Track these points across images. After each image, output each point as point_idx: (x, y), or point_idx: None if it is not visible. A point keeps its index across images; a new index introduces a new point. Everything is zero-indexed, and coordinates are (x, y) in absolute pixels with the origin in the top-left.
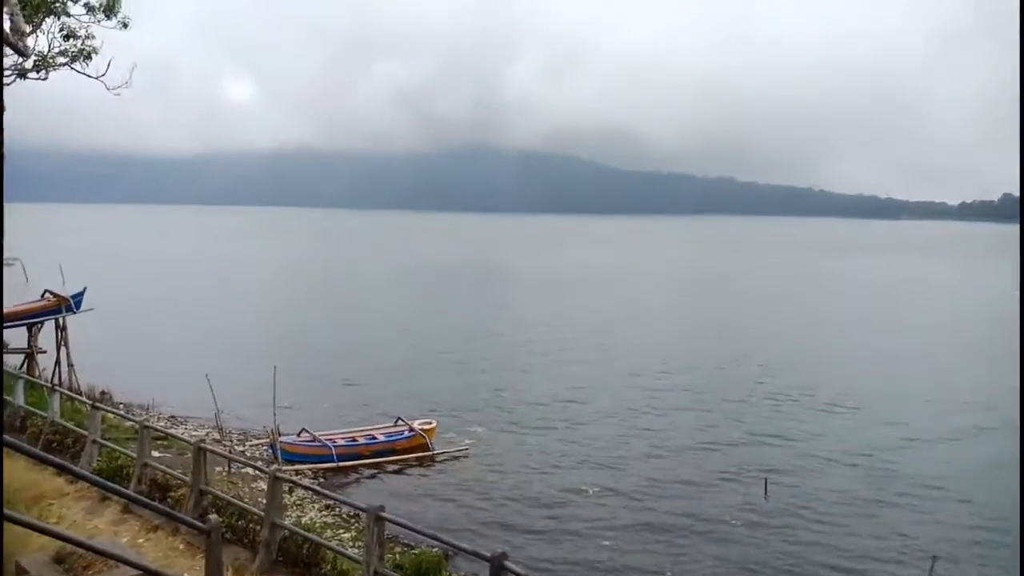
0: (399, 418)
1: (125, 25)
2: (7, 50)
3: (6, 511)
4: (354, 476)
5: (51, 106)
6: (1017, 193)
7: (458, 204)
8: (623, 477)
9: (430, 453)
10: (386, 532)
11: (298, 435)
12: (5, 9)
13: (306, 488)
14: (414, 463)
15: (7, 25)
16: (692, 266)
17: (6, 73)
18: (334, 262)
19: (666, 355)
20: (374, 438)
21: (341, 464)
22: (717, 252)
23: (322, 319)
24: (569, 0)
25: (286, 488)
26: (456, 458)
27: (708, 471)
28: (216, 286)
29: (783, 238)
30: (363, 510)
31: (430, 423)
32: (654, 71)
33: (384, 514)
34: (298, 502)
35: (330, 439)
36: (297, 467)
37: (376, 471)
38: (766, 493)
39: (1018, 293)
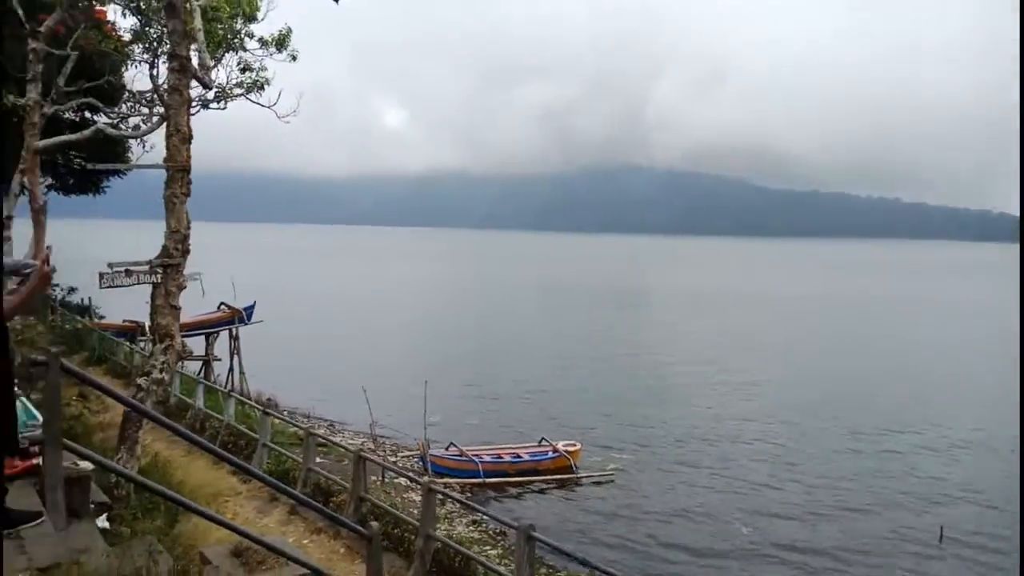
0: (543, 438)
1: (294, 58)
2: (194, 83)
3: (194, 504)
4: (499, 493)
5: (226, 134)
6: None
7: (600, 225)
8: (776, 516)
9: (574, 475)
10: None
11: (447, 449)
12: (194, 47)
13: (458, 502)
14: (558, 484)
15: (195, 60)
16: (858, 294)
17: (192, 104)
18: (479, 282)
19: (823, 389)
20: (519, 457)
21: (487, 480)
22: (886, 278)
23: (468, 337)
24: (714, 15)
25: (438, 500)
26: (600, 483)
27: (870, 509)
28: (370, 302)
29: (956, 264)
30: (514, 528)
31: (574, 445)
32: (805, 86)
33: (535, 533)
34: (447, 515)
35: (477, 455)
36: (446, 480)
37: (520, 490)
38: (941, 539)
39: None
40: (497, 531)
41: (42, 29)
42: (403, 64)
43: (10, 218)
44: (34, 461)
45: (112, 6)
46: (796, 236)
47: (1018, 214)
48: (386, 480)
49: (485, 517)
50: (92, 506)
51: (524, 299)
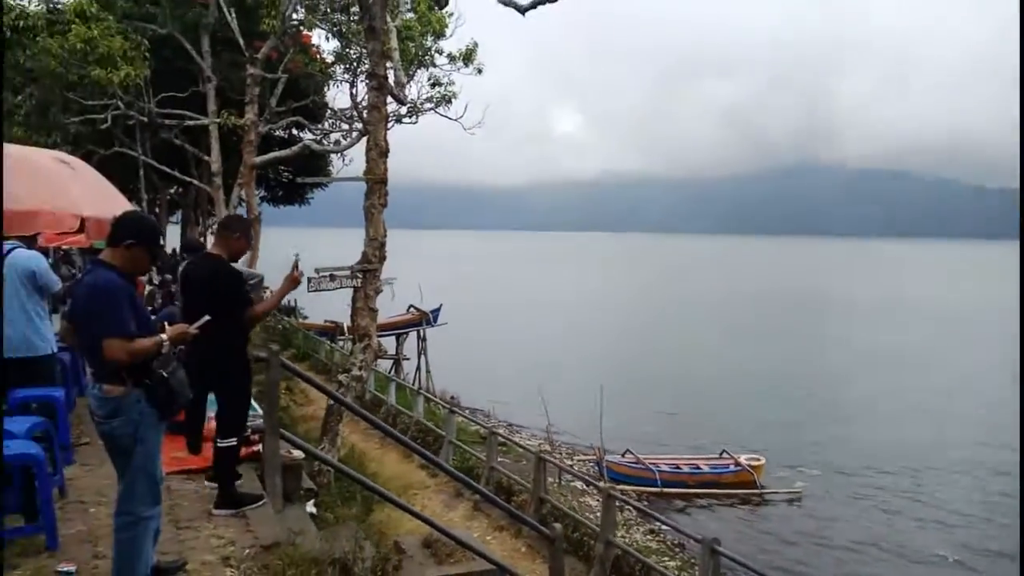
0: (724, 450)
1: (480, 71)
2: (389, 99)
3: (391, 494)
4: (677, 504)
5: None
6: None
7: (784, 227)
8: (988, 554)
9: (758, 491)
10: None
11: (623, 455)
12: (390, 65)
13: (637, 509)
14: (738, 500)
15: (391, 78)
16: None
17: (388, 119)
18: (657, 287)
19: None
20: (698, 468)
21: (664, 490)
22: None
23: (645, 343)
24: (905, 7)
25: (617, 506)
26: (787, 501)
27: None
28: (547, 307)
29: None
30: (697, 540)
31: (758, 459)
32: (1002, 75)
33: (720, 548)
34: (624, 522)
35: (654, 463)
36: (622, 487)
37: (698, 502)
38: None
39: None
40: (675, 542)
41: (259, 56)
42: (580, 69)
43: None
44: (255, 448)
45: (317, 31)
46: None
47: None
48: (562, 483)
49: (664, 527)
50: (302, 492)
51: (703, 305)
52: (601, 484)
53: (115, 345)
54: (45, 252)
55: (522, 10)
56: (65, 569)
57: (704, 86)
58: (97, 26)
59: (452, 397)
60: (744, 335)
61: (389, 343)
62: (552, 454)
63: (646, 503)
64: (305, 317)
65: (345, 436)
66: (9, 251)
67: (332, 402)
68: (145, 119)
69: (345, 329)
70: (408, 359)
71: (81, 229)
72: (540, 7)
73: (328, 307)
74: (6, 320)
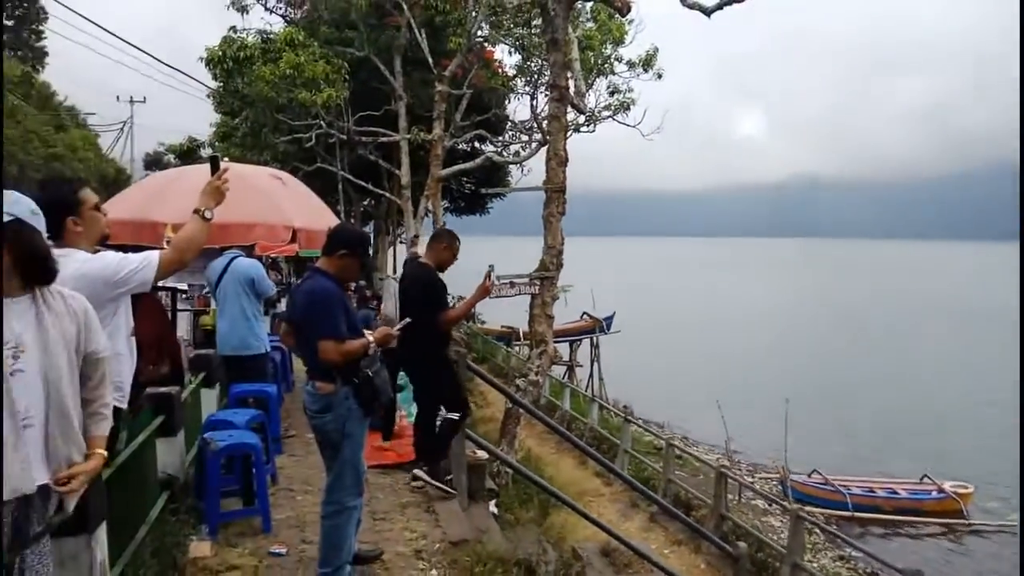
0: (925, 475)
1: (660, 76)
2: (569, 109)
3: (571, 500)
4: (869, 530)
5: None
6: None
7: (999, 233)
8: None
9: (965, 522)
10: None
11: (809, 476)
12: (571, 76)
13: (828, 533)
14: (941, 530)
15: (572, 88)
16: None
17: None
18: (850, 297)
19: None
20: (895, 492)
21: (856, 515)
22: None
23: (835, 355)
24: None
25: (806, 528)
26: (1001, 531)
27: None
28: (726, 315)
29: None
30: (898, 571)
31: (966, 487)
32: None
33: None
34: (811, 546)
35: (844, 485)
36: (808, 509)
37: (895, 530)
38: None
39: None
40: (869, 571)
41: (446, 73)
42: (763, 70)
43: (417, 237)
44: None
45: (500, 46)
46: None
47: None
48: (742, 500)
49: (856, 553)
50: (485, 492)
51: (901, 315)
52: (788, 504)
53: (329, 346)
54: (258, 260)
55: (708, 12)
56: (277, 550)
57: (897, 84)
58: (303, 52)
59: (624, 406)
60: (948, 349)
61: (563, 349)
62: (731, 470)
63: (836, 527)
64: (483, 322)
65: (521, 439)
66: (232, 259)
67: (510, 405)
68: (344, 137)
69: (521, 334)
70: (581, 366)
71: (292, 239)
72: (726, 7)
73: (505, 312)
74: (228, 321)
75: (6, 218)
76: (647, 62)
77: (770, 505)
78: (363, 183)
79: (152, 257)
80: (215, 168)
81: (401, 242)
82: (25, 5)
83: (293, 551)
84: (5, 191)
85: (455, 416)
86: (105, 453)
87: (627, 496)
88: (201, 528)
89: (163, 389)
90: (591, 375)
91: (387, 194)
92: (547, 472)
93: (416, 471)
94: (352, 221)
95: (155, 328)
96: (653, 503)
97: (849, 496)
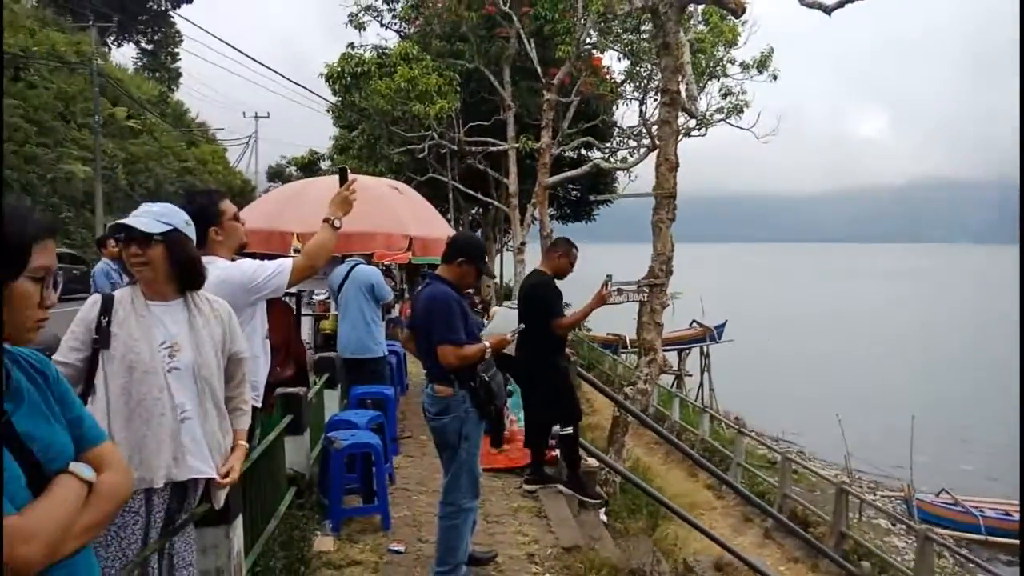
0: None
1: (775, 77)
2: (680, 113)
3: (683, 511)
4: (1005, 556)
5: (700, 158)
6: None
7: None
8: None
9: None
10: None
11: (937, 495)
12: (682, 79)
13: (962, 557)
14: None
15: (683, 93)
16: None
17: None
18: (982, 306)
19: None
20: None
21: (990, 539)
22: None
23: (962, 368)
24: None
25: (935, 551)
26: None
27: None
28: (847, 325)
29: None
30: None
31: None
32: None
33: None
34: (937, 570)
35: (976, 507)
36: (936, 530)
37: None
38: None
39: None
40: None
41: (554, 82)
42: (884, 68)
43: (524, 244)
44: (553, 453)
45: (609, 52)
46: None
47: None
48: (862, 519)
49: None
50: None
51: None
52: (919, 526)
53: (448, 351)
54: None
55: (828, 10)
56: (396, 548)
57: None
58: (417, 66)
59: (736, 418)
60: None
61: (671, 358)
62: (852, 486)
63: (967, 551)
64: (589, 329)
65: (629, 449)
66: (353, 266)
67: (619, 413)
68: (455, 147)
69: (627, 342)
70: (691, 375)
71: (408, 247)
72: (848, 5)
73: (611, 320)
74: (349, 325)
75: (165, 228)
76: (762, 63)
77: (894, 525)
78: (472, 192)
79: (285, 264)
80: (343, 179)
81: (508, 249)
82: (163, 30)
83: (411, 549)
84: (163, 204)
85: (569, 431)
86: (247, 445)
87: (740, 510)
88: (325, 524)
89: (291, 390)
90: (701, 385)
91: (495, 202)
92: (656, 483)
93: (560, 487)
94: (460, 229)
95: (283, 332)
96: (768, 518)
97: (982, 519)
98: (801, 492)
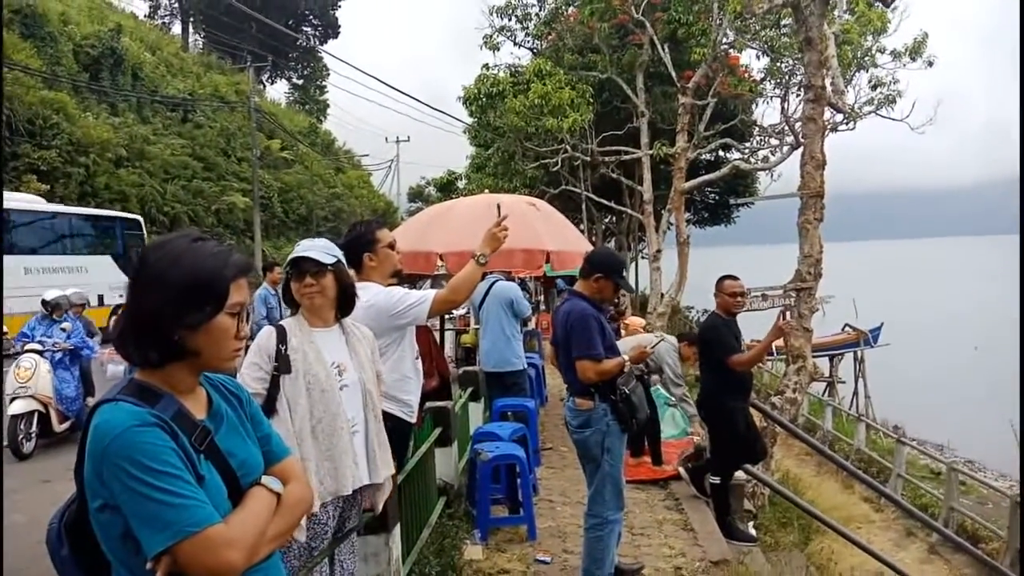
0: None
1: (931, 64)
2: (827, 109)
3: (838, 524)
4: None
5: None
6: None
7: None
8: None
9: None
10: None
11: None
12: (827, 72)
13: None
14: None
15: (828, 87)
16: None
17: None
18: None
19: None
20: None
21: None
22: None
23: None
24: None
25: None
26: None
27: None
28: (1008, 323)
29: None
30: None
31: None
32: None
33: None
34: None
35: None
36: None
37: None
38: None
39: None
40: None
41: (689, 85)
42: None
43: (659, 251)
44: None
45: (746, 51)
46: None
47: None
48: None
49: None
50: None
51: None
52: None
53: (586, 365)
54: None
55: None
56: (543, 558)
57: None
58: (550, 81)
59: (896, 426)
60: None
61: (822, 364)
62: None
63: None
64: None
65: (779, 460)
66: (493, 282)
67: (766, 423)
68: (588, 158)
69: (774, 349)
70: (844, 382)
71: (547, 262)
72: None
73: (757, 326)
74: (490, 339)
75: (333, 259)
76: (915, 50)
77: None
78: (605, 201)
79: (428, 296)
80: (498, 212)
81: (643, 257)
82: (311, 65)
83: (556, 560)
84: (321, 239)
85: (716, 481)
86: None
87: (901, 525)
88: (474, 533)
89: (439, 403)
90: (855, 392)
91: (629, 210)
92: (807, 495)
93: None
94: (594, 239)
95: (424, 345)
96: (933, 532)
97: None
98: (970, 505)
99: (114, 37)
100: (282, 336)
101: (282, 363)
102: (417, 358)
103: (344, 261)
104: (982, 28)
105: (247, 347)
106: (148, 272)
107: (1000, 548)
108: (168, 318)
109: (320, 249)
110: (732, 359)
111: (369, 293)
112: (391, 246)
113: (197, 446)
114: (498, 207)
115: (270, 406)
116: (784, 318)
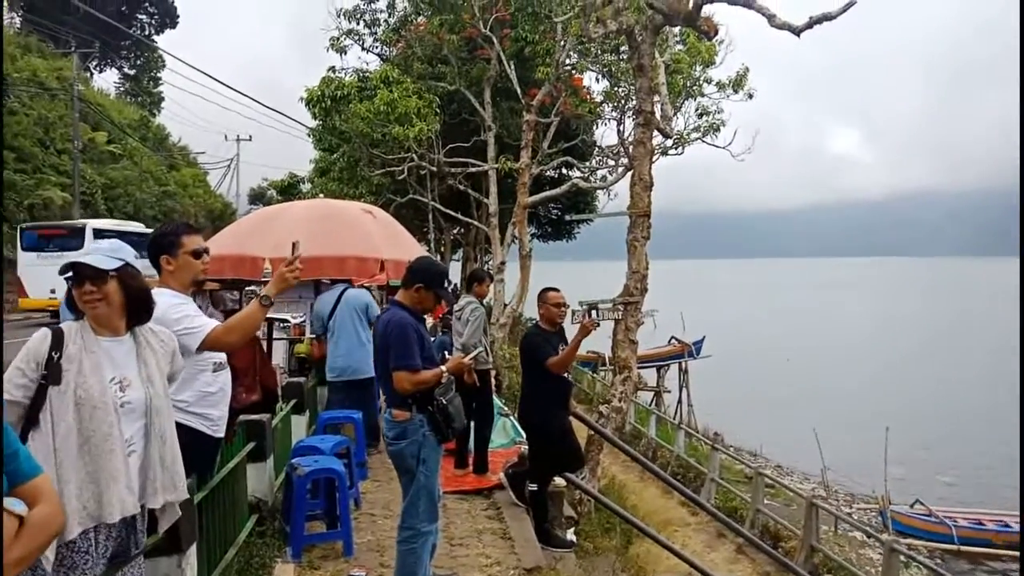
0: None
1: (751, 96)
2: (656, 133)
3: (652, 530)
4: (975, 566)
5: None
6: None
7: None
8: None
9: None
10: None
11: (911, 507)
12: (657, 100)
13: (927, 567)
14: None
15: (658, 113)
16: None
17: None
18: (960, 320)
19: None
20: (1007, 526)
21: (963, 548)
22: None
23: (940, 381)
24: None
25: (901, 562)
26: None
27: None
28: (824, 340)
29: None
30: None
31: None
32: None
33: None
34: None
35: (949, 517)
36: (909, 541)
37: (1004, 564)
38: None
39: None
40: None
41: (534, 103)
42: (857, 82)
43: (503, 263)
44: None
45: (588, 73)
46: None
47: None
48: (838, 532)
49: None
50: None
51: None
52: (884, 536)
53: (402, 376)
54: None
55: (797, 31)
56: (357, 573)
57: (1004, 89)
58: (397, 88)
59: (715, 434)
60: None
61: (650, 375)
62: (827, 500)
63: (938, 561)
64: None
65: (605, 467)
66: (343, 291)
67: (593, 432)
68: (435, 169)
69: (606, 359)
70: (669, 391)
71: (381, 270)
72: (816, 26)
73: (591, 338)
74: (345, 348)
75: (117, 263)
76: (737, 83)
77: (868, 537)
78: (452, 212)
79: (205, 328)
80: (293, 250)
81: (488, 269)
82: (145, 55)
83: (372, 574)
84: (111, 240)
85: (534, 488)
86: None
87: (714, 526)
88: (286, 551)
89: (254, 416)
90: (680, 401)
91: (475, 222)
92: (630, 500)
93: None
94: (442, 249)
95: (248, 356)
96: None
97: (955, 528)
98: (777, 507)
99: None
100: (57, 342)
101: (52, 372)
102: (220, 369)
103: (133, 264)
104: (802, 70)
105: None
106: None
107: (796, 546)
108: None
109: (104, 252)
110: (548, 362)
111: (159, 307)
112: (196, 254)
113: None
114: (294, 245)
115: (32, 418)
116: (586, 316)
